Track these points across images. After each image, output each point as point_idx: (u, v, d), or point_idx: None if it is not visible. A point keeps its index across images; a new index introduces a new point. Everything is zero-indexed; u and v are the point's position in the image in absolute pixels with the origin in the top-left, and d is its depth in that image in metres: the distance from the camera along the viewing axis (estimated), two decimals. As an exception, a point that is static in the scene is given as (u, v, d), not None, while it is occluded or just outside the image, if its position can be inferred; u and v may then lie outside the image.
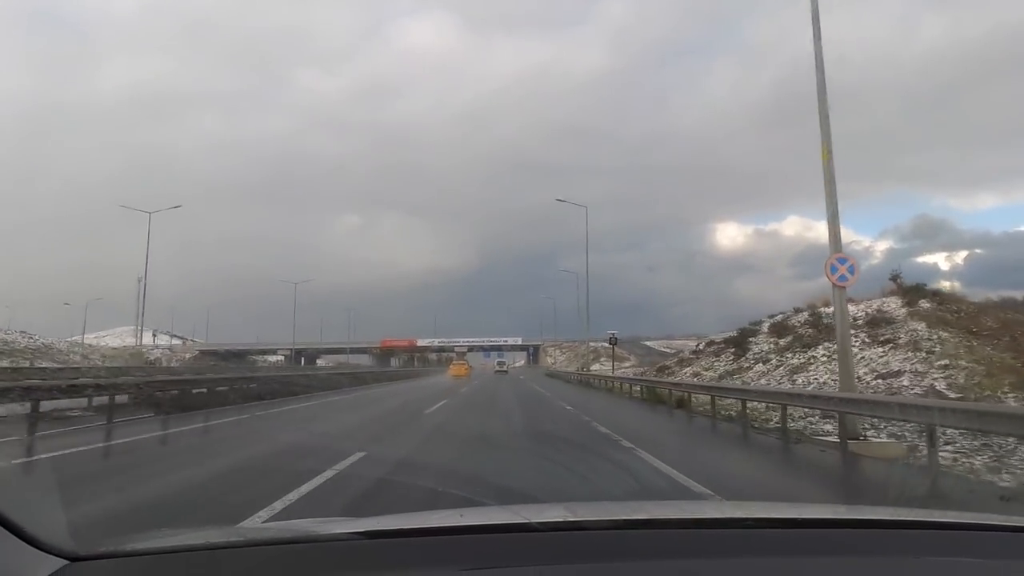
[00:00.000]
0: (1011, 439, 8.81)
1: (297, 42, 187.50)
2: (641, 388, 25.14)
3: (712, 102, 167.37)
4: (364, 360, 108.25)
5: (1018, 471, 8.28)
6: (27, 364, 31.59)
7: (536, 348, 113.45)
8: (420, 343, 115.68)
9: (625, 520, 1.53)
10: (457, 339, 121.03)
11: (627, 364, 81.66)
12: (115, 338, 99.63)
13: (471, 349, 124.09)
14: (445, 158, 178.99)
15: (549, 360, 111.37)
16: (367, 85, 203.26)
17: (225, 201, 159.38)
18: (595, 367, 71.80)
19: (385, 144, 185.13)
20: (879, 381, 17.78)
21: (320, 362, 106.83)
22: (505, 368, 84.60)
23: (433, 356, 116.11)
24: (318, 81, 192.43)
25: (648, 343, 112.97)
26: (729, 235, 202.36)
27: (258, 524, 2.27)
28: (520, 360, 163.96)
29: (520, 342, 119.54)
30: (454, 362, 71.59)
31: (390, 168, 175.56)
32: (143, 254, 46.60)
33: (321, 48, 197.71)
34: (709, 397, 16.12)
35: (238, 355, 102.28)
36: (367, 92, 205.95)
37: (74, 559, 1.26)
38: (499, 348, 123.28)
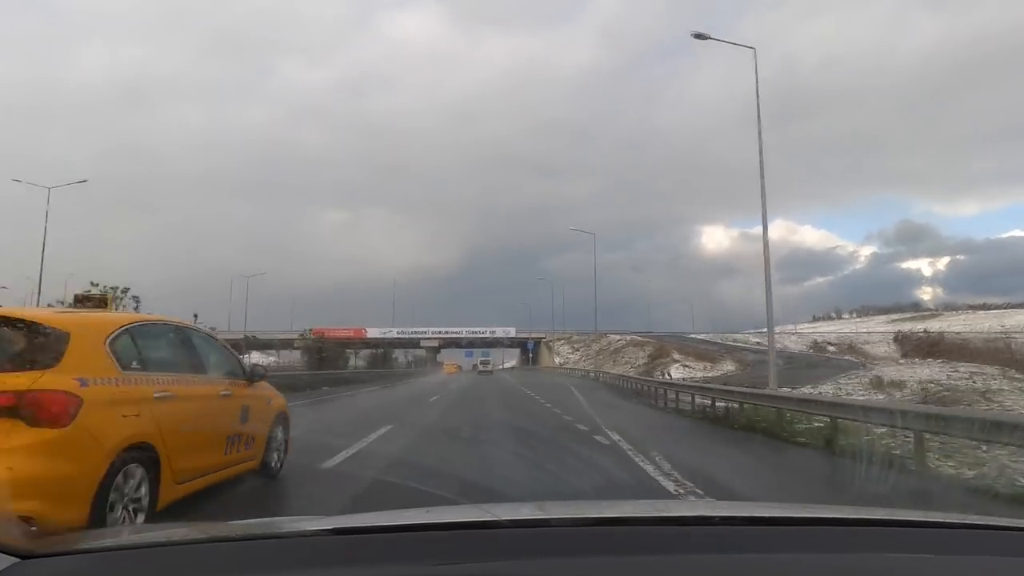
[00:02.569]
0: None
1: (281, 30, 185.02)
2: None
3: (700, 101, 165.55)
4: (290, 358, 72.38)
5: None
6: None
7: (536, 343, 79.07)
8: (371, 333, 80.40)
9: (594, 518, 1.55)
10: (423, 329, 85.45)
11: (725, 366, 46.65)
12: None
13: (443, 344, 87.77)
14: (431, 153, 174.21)
15: (557, 359, 75.90)
16: (352, 77, 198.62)
17: (202, 193, 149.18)
18: (675, 372, 37.28)
19: (369, 138, 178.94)
20: None
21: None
22: (490, 367, 72.59)
23: (400, 355, 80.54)
24: (302, 72, 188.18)
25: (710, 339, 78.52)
26: (715, 237, 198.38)
27: (221, 523, 1.59)
28: (511, 360, 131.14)
29: (513, 334, 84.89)
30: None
31: (374, 163, 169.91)
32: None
33: (306, 38, 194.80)
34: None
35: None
36: (352, 85, 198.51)
37: (26, 556, 1.21)
38: (485, 342, 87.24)
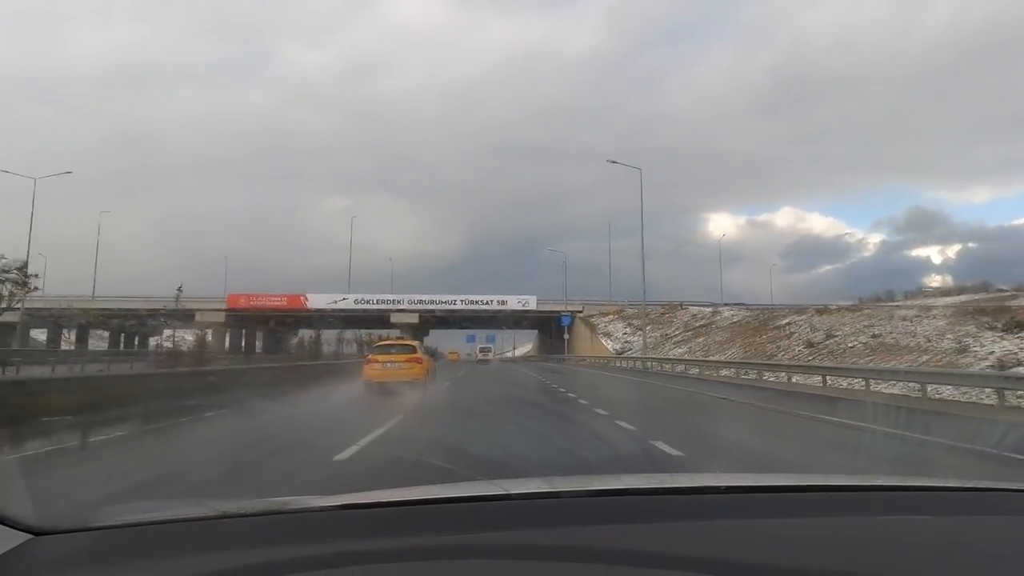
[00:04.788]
0: None
1: (280, 10, 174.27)
2: None
3: (706, 86, 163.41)
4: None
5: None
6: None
7: (570, 319, 47.45)
8: (314, 302, 50.14)
9: (601, 489, 1.60)
10: (394, 297, 55.11)
11: None
12: None
13: (427, 321, 57.24)
14: (432, 138, 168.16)
15: (609, 343, 44.41)
16: (352, 60, 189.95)
17: (200, 178, 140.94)
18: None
19: (370, 123, 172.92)
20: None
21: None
22: (489, 356, 61.62)
23: (356, 339, 50.02)
24: (301, 54, 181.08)
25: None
26: (721, 224, 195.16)
27: (231, 500, 1.57)
28: (527, 344, 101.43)
29: (532, 306, 54.27)
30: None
31: (374, 147, 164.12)
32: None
33: (305, 19, 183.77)
34: None
35: None
36: (352, 67, 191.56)
37: (39, 533, 1.25)
38: (493, 319, 56.83)
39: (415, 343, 20.26)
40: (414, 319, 57.84)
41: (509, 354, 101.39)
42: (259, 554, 1.16)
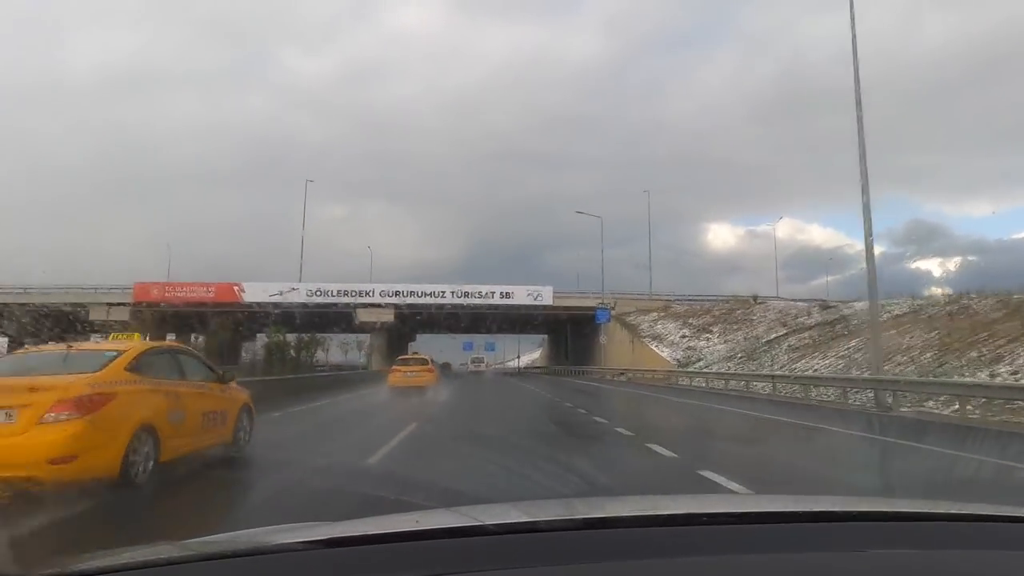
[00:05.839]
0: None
1: (278, 17, 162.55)
2: None
3: (708, 93, 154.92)
4: None
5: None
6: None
7: (607, 315, 32.11)
8: (249, 294, 34.59)
9: (583, 519, 1.55)
10: (361, 287, 38.79)
11: None
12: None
13: (407, 316, 40.74)
14: (432, 146, 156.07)
15: (659, 350, 27.85)
16: (352, 66, 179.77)
17: (196, 185, 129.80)
18: None
19: (369, 129, 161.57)
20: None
21: None
22: (483, 366, 54.40)
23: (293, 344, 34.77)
24: (300, 60, 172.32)
25: None
26: (720, 235, 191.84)
27: (210, 538, 1.67)
28: (534, 351, 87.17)
29: (547, 300, 38.69)
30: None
31: (374, 155, 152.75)
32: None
33: (303, 25, 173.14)
34: None
35: None
36: (351, 74, 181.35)
37: None
38: (493, 317, 40.28)
39: (426, 356, 26.93)
40: (388, 316, 43.09)
41: (513, 363, 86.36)
42: None
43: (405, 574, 1.21)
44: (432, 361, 26.74)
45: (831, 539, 1.37)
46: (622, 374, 37.94)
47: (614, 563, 1.24)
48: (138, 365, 6.20)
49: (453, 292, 44.94)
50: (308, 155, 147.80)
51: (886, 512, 1.60)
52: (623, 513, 1.65)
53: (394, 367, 24.31)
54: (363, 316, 42.05)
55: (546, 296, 45.48)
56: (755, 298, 40.86)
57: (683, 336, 36.59)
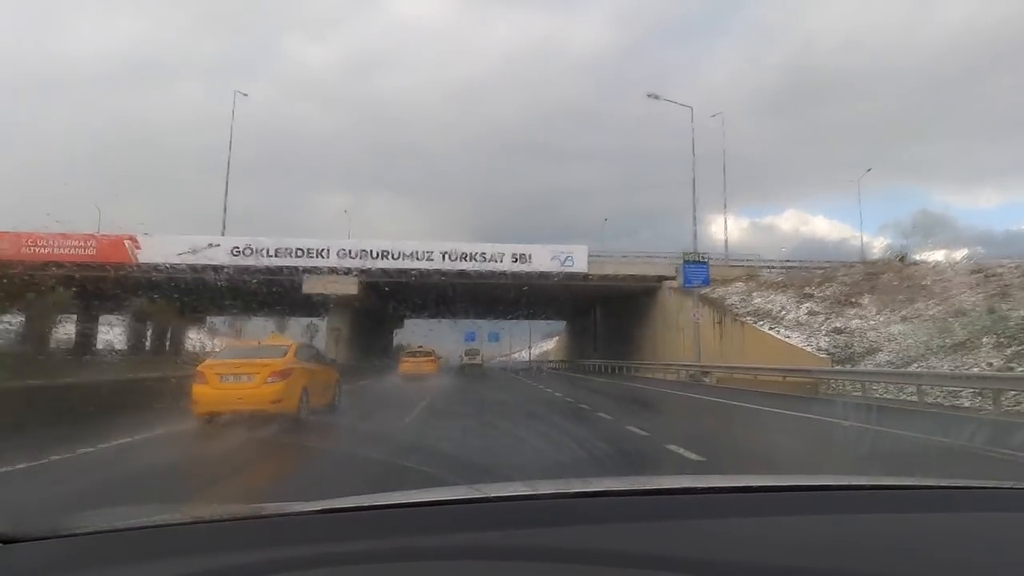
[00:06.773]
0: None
1: (283, 5, 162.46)
2: None
3: (713, 85, 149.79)
4: None
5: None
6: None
7: (705, 273, 17.50)
8: (145, 253, 20.31)
9: (580, 492, 1.61)
10: (320, 244, 23.62)
11: None
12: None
13: (370, 283, 25.24)
14: (437, 137, 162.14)
15: (787, 336, 11.58)
16: (356, 56, 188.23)
17: (202, 174, 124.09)
18: None
19: (374, 120, 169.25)
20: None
21: None
22: (479, 359, 47.34)
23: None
24: (304, 49, 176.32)
25: None
26: (724, 226, 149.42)
27: (208, 504, 2.04)
28: (545, 341, 74.85)
29: (579, 266, 24.26)
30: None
31: (379, 146, 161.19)
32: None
33: (308, 13, 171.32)
34: None
35: None
36: (356, 64, 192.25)
37: (8, 541, 1.22)
38: (501, 292, 24.48)
39: (432, 348, 31.38)
40: (349, 288, 29.16)
41: (521, 355, 72.90)
42: (232, 558, 1.14)
43: (421, 535, 1.22)
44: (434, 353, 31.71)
45: (830, 504, 1.42)
46: (705, 374, 24.93)
47: (606, 526, 1.26)
48: (297, 353, 11.22)
49: (447, 254, 31.72)
50: (310, 144, 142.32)
51: (895, 485, 1.65)
52: (618, 487, 1.67)
53: (404, 358, 30.01)
54: (311, 286, 28.65)
55: (578, 259, 32.08)
56: (902, 258, 27.84)
57: (810, 313, 23.67)
